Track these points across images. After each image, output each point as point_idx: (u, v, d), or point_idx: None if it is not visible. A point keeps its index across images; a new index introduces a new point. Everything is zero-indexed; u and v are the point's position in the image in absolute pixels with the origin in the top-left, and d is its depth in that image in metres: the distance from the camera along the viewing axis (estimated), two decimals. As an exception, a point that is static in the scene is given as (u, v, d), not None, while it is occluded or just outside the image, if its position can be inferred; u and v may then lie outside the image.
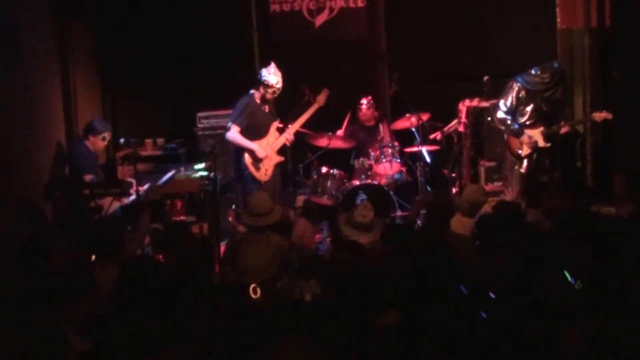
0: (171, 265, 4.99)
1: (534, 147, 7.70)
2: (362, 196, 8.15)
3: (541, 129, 7.71)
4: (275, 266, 4.39)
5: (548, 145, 7.77)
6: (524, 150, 7.73)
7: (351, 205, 7.80)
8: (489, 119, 8.56)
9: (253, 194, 6.59)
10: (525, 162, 7.75)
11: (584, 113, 8.85)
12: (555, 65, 7.70)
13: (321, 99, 8.13)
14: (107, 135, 7.83)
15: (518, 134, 7.70)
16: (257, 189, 7.59)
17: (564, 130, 7.78)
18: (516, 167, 7.80)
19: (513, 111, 7.72)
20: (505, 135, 7.84)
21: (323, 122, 8.65)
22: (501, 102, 7.76)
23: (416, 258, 4.23)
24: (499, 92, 7.83)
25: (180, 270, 4.70)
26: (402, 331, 3.40)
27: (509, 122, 7.70)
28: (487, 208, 6.60)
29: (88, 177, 7.53)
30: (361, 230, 5.66)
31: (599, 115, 7.82)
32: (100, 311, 3.94)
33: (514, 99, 7.71)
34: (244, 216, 5.91)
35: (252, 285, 4.18)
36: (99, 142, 7.76)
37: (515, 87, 7.70)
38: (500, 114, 7.75)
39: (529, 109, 7.71)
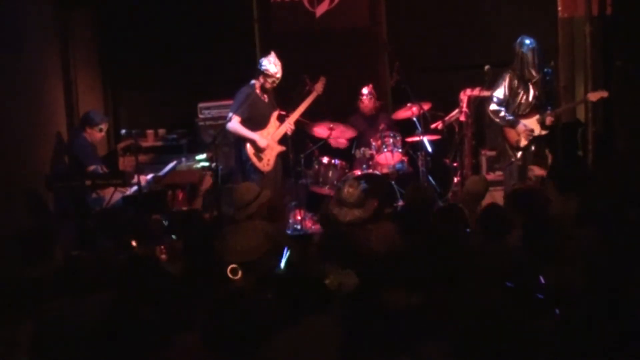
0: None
1: (531, 136, 7.69)
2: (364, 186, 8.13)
3: (537, 117, 7.70)
4: (263, 249, 4.40)
5: (545, 132, 7.75)
6: (522, 141, 7.71)
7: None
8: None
9: (234, 188, 6.44)
10: (519, 153, 7.73)
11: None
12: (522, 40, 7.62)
13: (319, 87, 8.14)
14: (104, 126, 7.85)
15: (513, 124, 7.67)
16: (260, 179, 7.62)
17: (549, 120, 7.73)
18: (513, 160, 7.77)
19: (507, 102, 7.68)
20: (503, 128, 7.79)
21: (324, 112, 8.64)
22: (494, 94, 7.73)
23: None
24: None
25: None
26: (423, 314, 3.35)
27: (502, 113, 7.67)
28: (488, 201, 6.59)
29: (91, 168, 7.55)
30: (350, 207, 5.67)
31: (594, 95, 7.76)
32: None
33: (506, 89, 7.68)
34: (234, 213, 5.82)
35: (230, 267, 4.16)
36: (96, 134, 7.78)
37: (507, 77, 7.66)
38: (493, 106, 7.72)
39: (523, 98, 7.68)
